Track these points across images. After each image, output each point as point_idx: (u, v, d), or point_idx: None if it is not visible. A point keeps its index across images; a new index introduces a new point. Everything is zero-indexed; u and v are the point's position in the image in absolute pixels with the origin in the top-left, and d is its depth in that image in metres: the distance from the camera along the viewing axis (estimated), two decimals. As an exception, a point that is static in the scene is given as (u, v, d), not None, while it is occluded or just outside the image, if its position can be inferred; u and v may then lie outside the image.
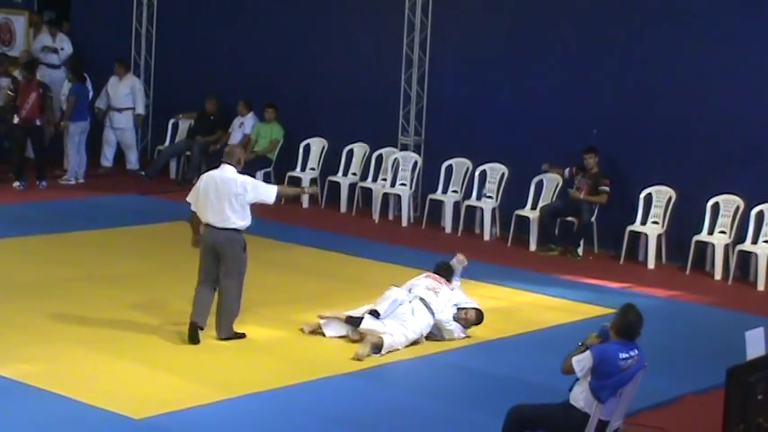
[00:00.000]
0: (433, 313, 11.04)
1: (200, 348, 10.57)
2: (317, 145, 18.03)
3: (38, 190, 17.54)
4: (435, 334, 11.14)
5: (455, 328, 11.16)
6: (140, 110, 19.53)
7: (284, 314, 11.69)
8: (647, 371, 7.94)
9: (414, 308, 10.97)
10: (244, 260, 10.72)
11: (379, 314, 10.83)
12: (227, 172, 10.65)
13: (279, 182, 17.66)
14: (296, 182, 17.47)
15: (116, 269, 13.28)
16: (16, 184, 17.57)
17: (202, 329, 10.64)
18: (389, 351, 10.61)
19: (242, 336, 10.87)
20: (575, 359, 7.78)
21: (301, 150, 17.91)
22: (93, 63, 19.59)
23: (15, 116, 17.53)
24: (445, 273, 11.52)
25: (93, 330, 10.85)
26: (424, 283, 11.31)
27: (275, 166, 18.12)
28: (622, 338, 7.77)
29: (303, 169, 17.89)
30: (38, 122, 17.66)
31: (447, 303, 11.21)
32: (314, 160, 18.01)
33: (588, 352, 7.75)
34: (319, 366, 10.26)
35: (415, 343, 10.92)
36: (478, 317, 11.36)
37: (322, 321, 11.02)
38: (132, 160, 19.53)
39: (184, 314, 11.47)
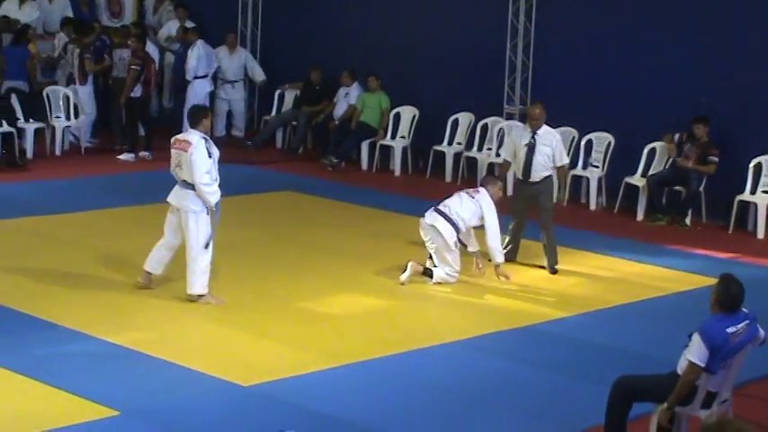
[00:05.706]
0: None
1: (306, 318, 10.71)
2: (408, 113, 18.08)
3: (145, 161, 17.78)
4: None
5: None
6: (262, 76, 19.81)
7: (385, 282, 11.77)
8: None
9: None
10: None
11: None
12: None
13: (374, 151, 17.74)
14: (384, 150, 17.65)
15: (219, 238, 13.38)
16: (129, 156, 17.79)
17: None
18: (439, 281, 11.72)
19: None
20: (690, 357, 7.47)
21: (392, 119, 18.00)
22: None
23: (139, 88, 17.76)
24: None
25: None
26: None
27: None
28: (725, 311, 7.62)
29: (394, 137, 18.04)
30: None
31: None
32: (404, 129, 18.12)
33: (698, 340, 7.45)
34: (423, 336, 10.32)
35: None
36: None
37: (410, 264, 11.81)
38: (241, 127, 19.92)
39: (287, 283, 11.60)
